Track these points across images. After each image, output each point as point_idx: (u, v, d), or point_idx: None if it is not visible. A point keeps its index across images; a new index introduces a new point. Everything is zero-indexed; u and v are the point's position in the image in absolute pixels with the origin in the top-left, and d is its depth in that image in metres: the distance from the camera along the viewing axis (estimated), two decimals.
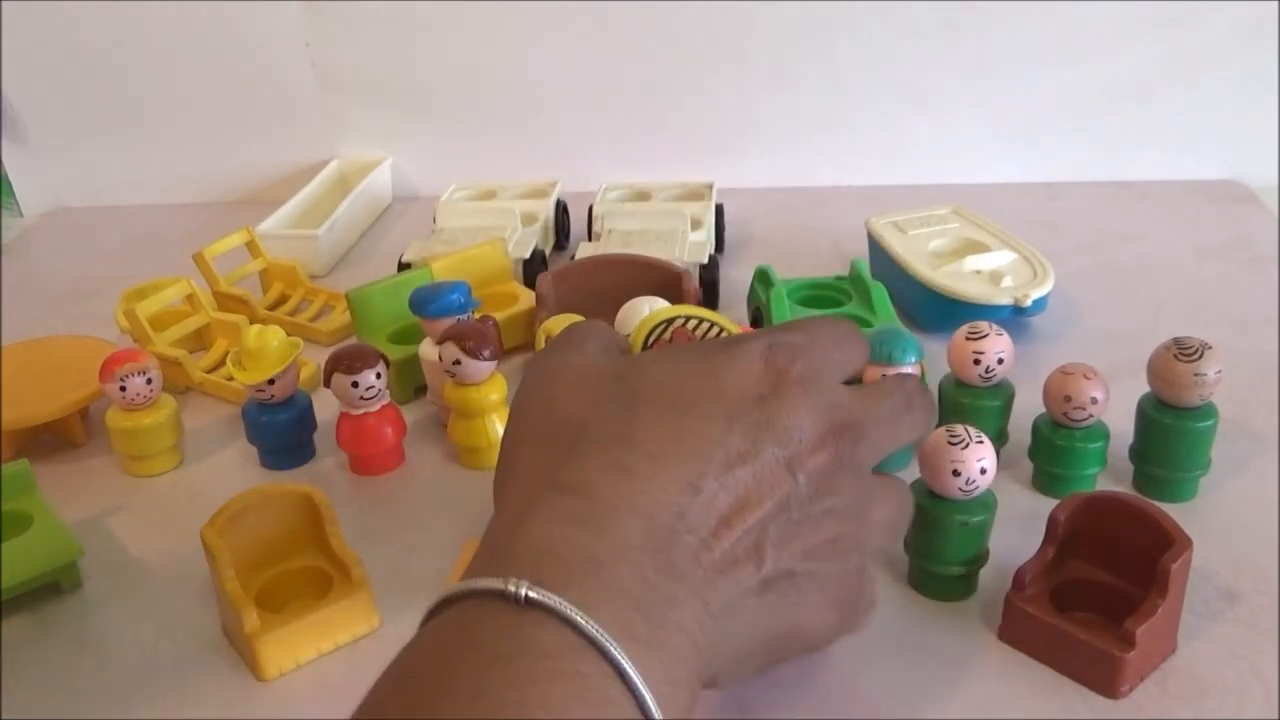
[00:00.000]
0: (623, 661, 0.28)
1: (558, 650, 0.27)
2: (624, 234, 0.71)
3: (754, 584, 0.32)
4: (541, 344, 0.54)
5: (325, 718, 0.39)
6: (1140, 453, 0.50)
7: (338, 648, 0.44)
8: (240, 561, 0.44)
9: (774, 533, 0.33)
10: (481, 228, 0.73)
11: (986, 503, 0.43)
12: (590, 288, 0.62)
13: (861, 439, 0.35)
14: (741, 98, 0.86)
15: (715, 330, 0.44)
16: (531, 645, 0.27)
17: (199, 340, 0.67)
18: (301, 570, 0.46)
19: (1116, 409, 0.49)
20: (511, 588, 0.28)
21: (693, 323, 0.43)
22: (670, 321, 0.43)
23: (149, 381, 0.54)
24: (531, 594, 0.28)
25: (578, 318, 0.54)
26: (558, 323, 0.54)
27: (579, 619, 0.28)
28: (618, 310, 0.55)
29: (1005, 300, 0.61)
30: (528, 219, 0.76)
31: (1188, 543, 0.39)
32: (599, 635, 0.28)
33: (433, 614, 0.30)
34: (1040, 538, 0.42)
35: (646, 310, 0.54)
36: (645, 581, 0.30)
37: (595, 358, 0.38)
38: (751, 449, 0.33)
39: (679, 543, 0.31)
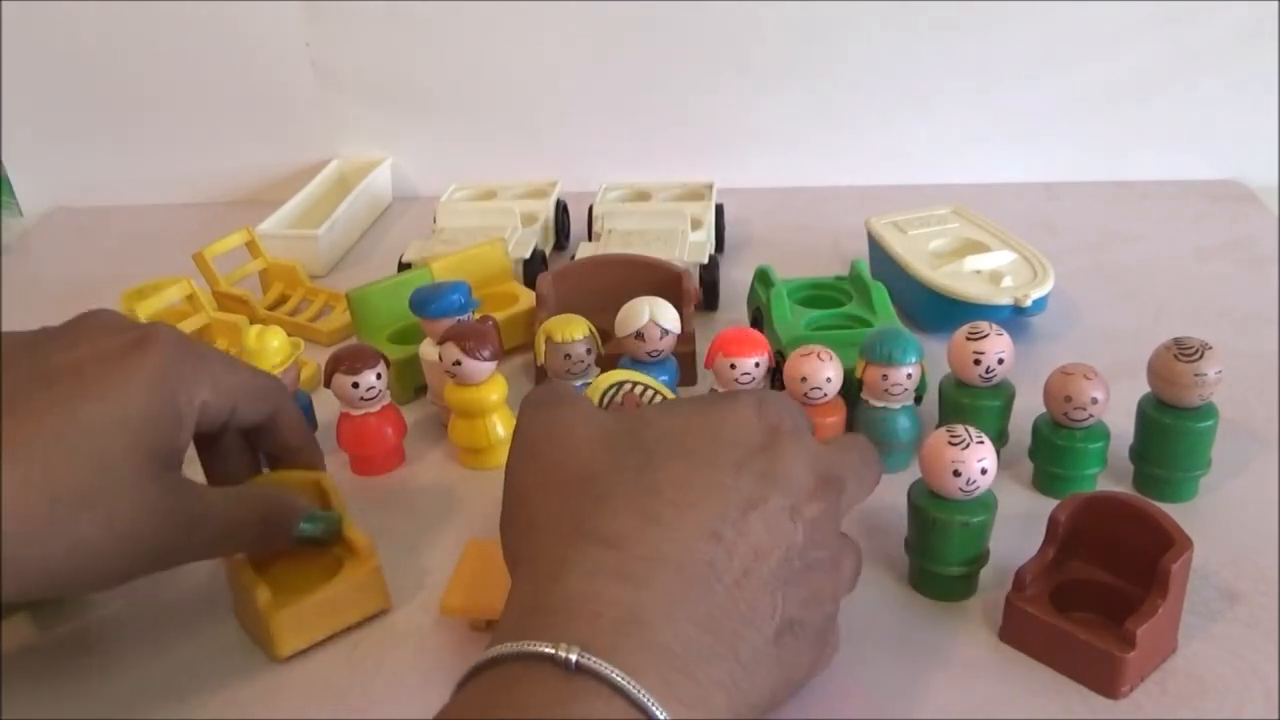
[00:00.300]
0: None
1: None
2: (624, 234, 0.71)
3: (770, 634, 0.33)
4: (541, 345, 0.54)
5: (340, 694, 0.41)
6: (1140, 453, 0.50)
7: (349, 626, 0.44)
8: None
9: (784, 582, 0.34)
10: (481, 228, 0.73)
11: (987, 503, 0.43)
12: (590, 288, 0.62)
13: (843, 491, 0.37)
14: (742, 98, 0.86)
15: (656, 396, 0.46)
16: (583, 717, 0.28)
17: (199, 340, 0.67)
18: (311, 554, 0.46)
19: (1117, 409, 0.49)
20: (562, 653, 0.28)
21: (639, 388, 0.46)
22: (620, 385, 0.46)
23: None
24: (583, 661, 0.28)
25: (578, 318, 0.54)
26: (558, 323, 0.54)
27: (630, 687, 0.28)
28: (618, 310, 0.55)
29: (1005, 300, 0.61)
30: (528, 219, 0.76)
31: (1188, 543, 0.39)
32: (649, 704, 0.28)
33: (477, 671, 0.30)
34: (1040, 538, 0.42)
35: (647, 310, 0.54)
36: (685, 638, 0.30)
37: (597, 413, 0.38)
38: (760, 497, 0.34)
39: (711, 594, 0.32)
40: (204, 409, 0.41)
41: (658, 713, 0.28)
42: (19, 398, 0.36)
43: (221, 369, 0.42)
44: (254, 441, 0.47)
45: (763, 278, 0.64)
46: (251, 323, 0.63)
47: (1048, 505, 0.43)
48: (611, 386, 0.46)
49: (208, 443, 0.46)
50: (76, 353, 0.38)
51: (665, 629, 0.30)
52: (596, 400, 0.46)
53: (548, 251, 0.76)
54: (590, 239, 0.74)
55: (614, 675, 0.28)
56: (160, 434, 0.38)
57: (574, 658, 0.28)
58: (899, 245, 0.67)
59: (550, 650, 0.28)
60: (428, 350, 0.57)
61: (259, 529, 0.42)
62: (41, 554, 0.35)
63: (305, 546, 0.44)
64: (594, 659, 0.28)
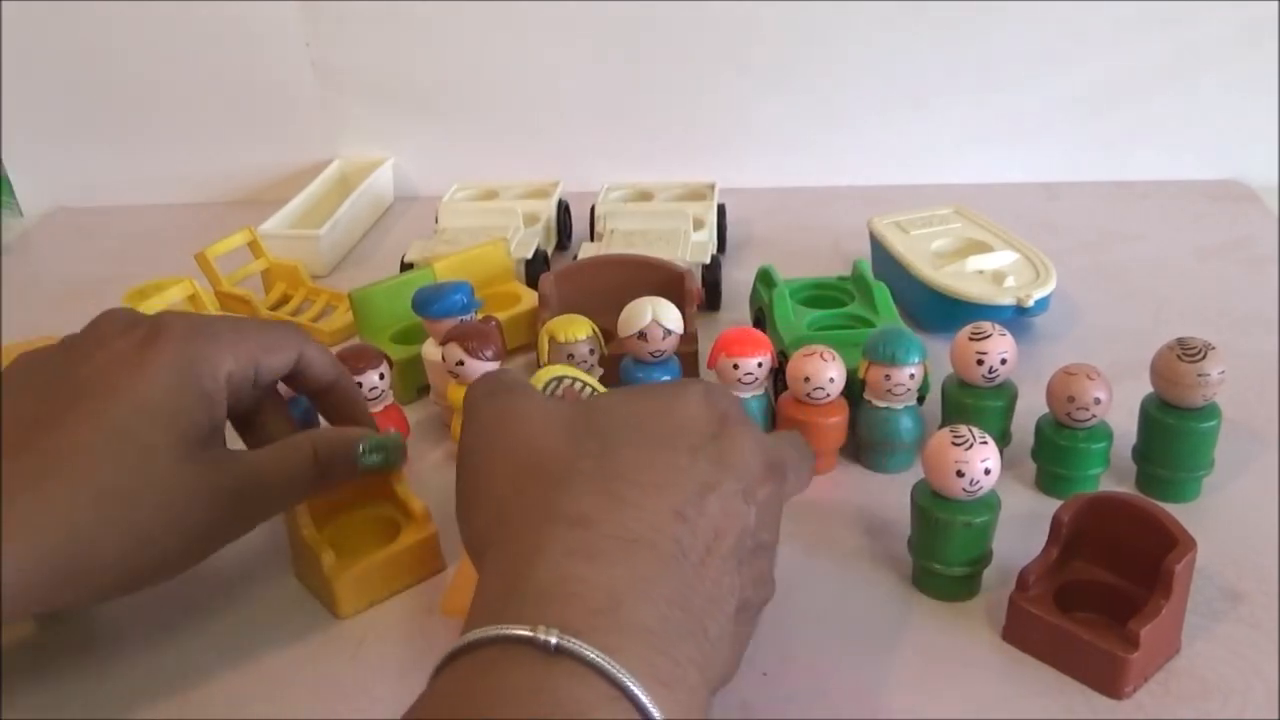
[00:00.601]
0: (652, 710, 0.28)
1: (590, 703, 0.27)
2: (626, 234, 0.71)
3: (732, 611, 0.34)
4: (544, 345, 0.54)
5: (341, 694, 0.42)
6: (1143, 453, 0.50)
7: (407, 587, 0.46)
8: (312, 509, 0.46)
9: (740, 562, 0.34)
10: (484, 228, 0.73)
11: (990, 503, 0.43)
12: (592, 288, 0.62)
13: (785, 479, 0.38)
14: (743, 98, 0.86)
15: (589, 391, 0.48)
16: (564, 699, 0.27)
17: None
18: (369, 518, 0.48)
19: (1119, 409, 0.49)
20: (541, 635, 0.28)
21: (578, 384, 0.47)
22: (559, 380, 0.47)
23: None
24: (562, 643, 0.28)
25: (581, 318, 0.54)
26: (561, 323, 0.54)
27: (610, 668, 0.28)
28: (620, 310, 0.55)
29: (1008, 300, 0.61)
30: (530, 219, 0.76)
31: (1191, 543, 0.39)
32: (629, 684, 0.28)
33: (453, 658, 0.29)
34: (1044, 538, 0.42)
35: (649, 311, 0.54)
36: (661, 616, 0.30)
37: (548, 400, 0.39)
38: (715, 480, 0.34)
39: (681, 572, 0.32)
40: (229, 379, 0.42)
41: (638, 692, 0.28)
42: (56, 414, 0.38)
43: (235, 336, 0.43)
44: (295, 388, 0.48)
45: (765, 278, 0.64)
46: None
47: (1051, 505, 0.43)
48: (551, 380, 0.47)
49: (240, 411, 0.46)
50: (95, 361, 0.40)
51: (641, 608, 0.30)
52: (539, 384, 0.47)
53: (550, 252, 0.76)
54: (592, 239, 0.74)
55: (593, 656, 0.28)
56: (191, 418, 0.40)
57: (553, 640, 0.28)
58: (901, 245, 0.67)
59: (529, 633, 0.28)
60: (430, 350, 0.57)
61: (316, 470, 0.43)
62: (103, 555, 0.37)
63: (371, 476, 0.46)
64: (573, 640, 0.28)
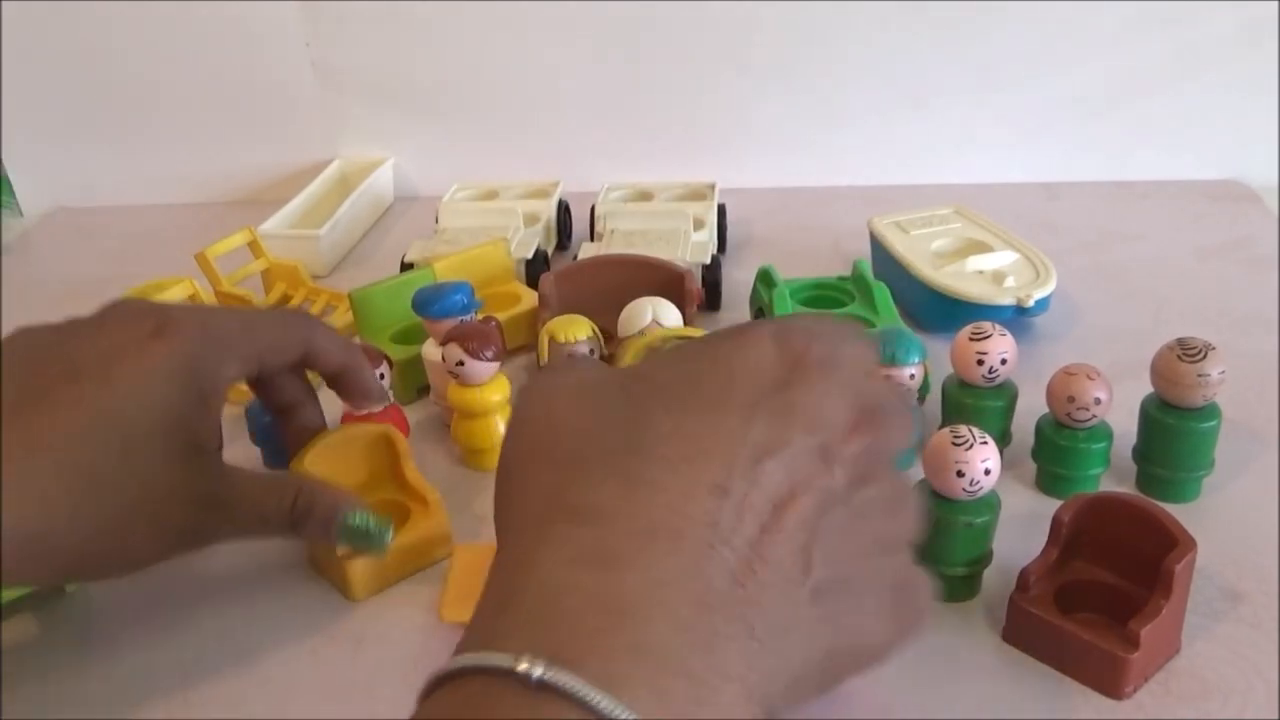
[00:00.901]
0: None
1: None
2: (626, 234, 0.71)
3: (804, 595, 0.29)
4: (544, 345, 0.54)
5: (341, 694, 0.42)
6: (1143, 453, 0.50)
7: (418, 570, 0.48)
8: None
9: (820, 533, 0.29)
10: (484, 228, 0.73)
11: (990, 503, 0.43)
12: (593, 288, 0.62)
13: (882, 428, 0.32)
14: (743, 98, 0.86)
15: None
16: None
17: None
18: (380, 503, 0.49)
19: (1119, 409, 0.49)
20: (522, 668, 0.24)
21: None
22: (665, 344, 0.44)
23: None
24: (547, 677, 0.24)
25: (581, 318, 0.54)
26: (561, 323, 0.54)
27: (603, 705, 0.24)
28: (620, 311, 0.55)
29: (1008, 300, 0.61)
30: (530, 219, 0.76)
31: (1191, 543, 0.39)
32: None
33: (440, 682, 0.26)
34: (1044, 538, 0.42)
35: (650, 311, 0.54)
36: (680, 625, 0.26)
37: (594, 372, 0.35)
38: (778, 439, 0.29)
39: (715, 561, 0.27)
40: (231, 381, 0.42)
41: None
42: (47, 391, 0.37)
43: (244, 338, 0.43)
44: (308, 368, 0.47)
45: (765, 278, 0.64)
46: None
47: (1051, 506, 0.43)
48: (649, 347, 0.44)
49: (258, 384, 0.47)
50: (98, 345, 0.39)
51: (654, 619, 0.26)
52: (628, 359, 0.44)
53: (550, 252, 0.76)
54: (592, 239, 0.74)
55: (584, 692, 0.24)
56: (185, 419, 0.39)
57: (537, 673, 0.24)
58: (901, 245, 0.67)
59: (509, 664, 0.24)
60: (430, 351, 0.57)
61: (290, 520, 0.42)
62: (72, 537, 0.37)
63: (381, 462, 0.47)
64: (562, 674, 0.24)
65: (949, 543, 0.43)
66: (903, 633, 0.33)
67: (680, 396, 0.30)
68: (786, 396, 0.30)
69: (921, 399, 0.54)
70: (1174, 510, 0.41)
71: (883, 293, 0.61)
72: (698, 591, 0.27)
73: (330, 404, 0.56)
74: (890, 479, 0.32)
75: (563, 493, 0.29)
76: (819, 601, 0.29)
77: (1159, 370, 0.48)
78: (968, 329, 0.51)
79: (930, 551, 0.43)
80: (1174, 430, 0.48)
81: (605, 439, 0.30)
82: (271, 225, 0.77)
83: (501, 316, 0.61)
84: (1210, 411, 0.48)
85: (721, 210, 0.77)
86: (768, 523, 0.28)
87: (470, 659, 0.25)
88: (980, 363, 0.50)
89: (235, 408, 0.61)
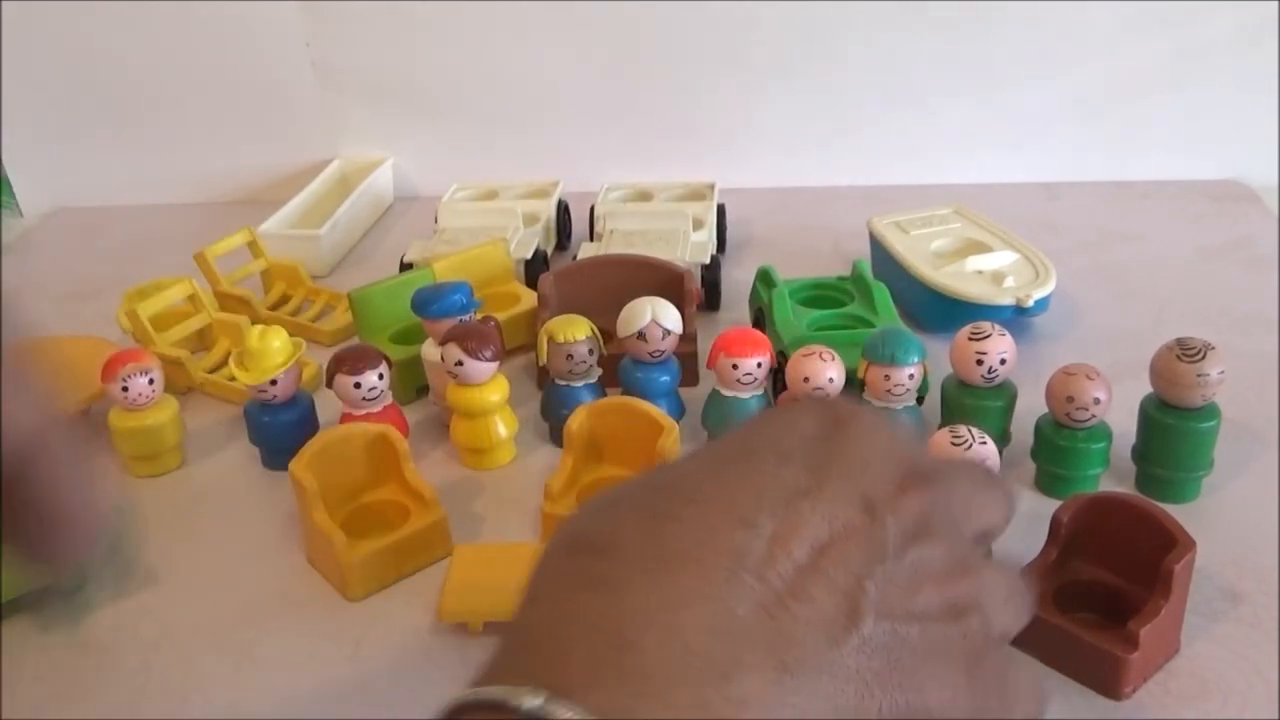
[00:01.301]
0: None
1: None
2: (626, 234, 0.71)
3: (851, 643, 0.26)
4: (543, 345, 0.54)
5: (341, 694, 0.42)
6: (1143, 453, 0.50)
7: (417, 570, 0.48)
8: (324, 495, 0.47)
9: (869, 582, 0.27)
10: (483, 228, 0.73)
11: None
12: (592, 288, 0.62)
13: (940, 492, 0.29)
14: (743, 98, 0.86)
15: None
16: None
17: (201, 340, 0.67)
18: (379, 504, 0.50)
19: (1119, 409, 0.49)
20: (514, 700, 0.23)
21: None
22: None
23: (151, 382, 0.54)
24: (539, 712, 0.23)
25: (580, 318, 0.54)
26: (560, 323, 0.54)
27: None
28: (620, 311, 0.55)
29: (1007, 300, 0.61)
30: (529, 219, 0.76)
31: (1191, 543, 0.39)
32: None
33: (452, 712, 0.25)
34: (1043, 538, 0.42)
35: (649, 311, 0.54)
36: (689, 650, 0.24)
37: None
38: (814, 483, 0.27)
39: (738, 588, 0.25)
40: None
41: None
42: None
43: None
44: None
45: (765, 278, 0.64)
46: (253, 323, 0.62)
47: (1050, 506, 0.43)
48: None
49: None
50: None
51: (662, 644, 0.24)
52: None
53: (549, 252, 0.76)
54: (592, 239, 0.74)
55: None
56: None
57: (537, 703, 0.23)
58: (901, 245, 0.67)
59: (502, 697, 0.23)
60: (430, 351, 0.57)
61: None
62: None
63: (381, 460, 0.48)
64: (560, 705, 0.23)
65: None
66: (985, 706, 0.29)
67: (720, 448, 0.30)
68: (826, 446, 0.29)
69: (921, 399, 0.54)
70: (1173, 510, 0.41)
71: (882, 293, 0.61)
72: (714, 616, 0.25)
73: (327, 404, 0.57)
74: (953, 541, 0.29)
75: (581, 530, 0.28)
76: (871, 655, 0.27)
77: (1158, 370, 0.47)
78: (967, 329, 0.51)
79: None
80: (1173, 430, 0.48)
81: (632, 492, 0.29)
82: (271, 225, 0.77)
83: (501, 316, 0.61)
84: (1210, 411, 0.48)
85: (721, 210, 0.77)
86: (805, 563, 0.26)
87: (470, 694, 0.24)
88: (980, 363, 0.50)
89: (234, 408, 0.61)
